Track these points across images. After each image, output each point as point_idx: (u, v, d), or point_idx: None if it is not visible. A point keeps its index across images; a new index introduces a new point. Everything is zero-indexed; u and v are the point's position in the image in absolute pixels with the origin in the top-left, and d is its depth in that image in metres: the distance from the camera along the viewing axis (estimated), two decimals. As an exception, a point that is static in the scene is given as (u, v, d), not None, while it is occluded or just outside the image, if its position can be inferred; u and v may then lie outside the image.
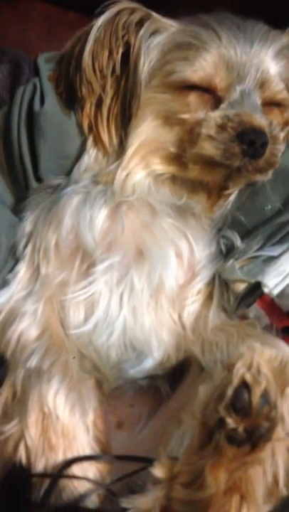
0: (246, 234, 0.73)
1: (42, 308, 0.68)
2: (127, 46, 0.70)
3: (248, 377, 0.47)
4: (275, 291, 0.65)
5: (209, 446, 0.48)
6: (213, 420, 0.47)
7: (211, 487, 0.47)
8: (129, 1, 0.70)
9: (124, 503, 0.51)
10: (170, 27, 0.70)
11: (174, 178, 0.73)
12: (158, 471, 0.50)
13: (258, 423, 0.46)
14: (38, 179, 0.76)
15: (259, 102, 0.68)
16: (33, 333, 0.67)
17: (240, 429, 0.46)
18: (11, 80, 0.76)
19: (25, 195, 0.77)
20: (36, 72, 0.76)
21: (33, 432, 0.58)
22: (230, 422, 0.46)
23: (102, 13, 0.70)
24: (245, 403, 0.46)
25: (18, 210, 0.76)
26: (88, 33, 0.70)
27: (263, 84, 0.68)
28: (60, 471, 0.55)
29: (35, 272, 0.71)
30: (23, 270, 0.72)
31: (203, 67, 0.67)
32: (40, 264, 0.71)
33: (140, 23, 0.70)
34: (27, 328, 0.67)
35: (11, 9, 0.93)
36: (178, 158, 0.71)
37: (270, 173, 0.70)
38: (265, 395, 0.46)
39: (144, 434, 0.65)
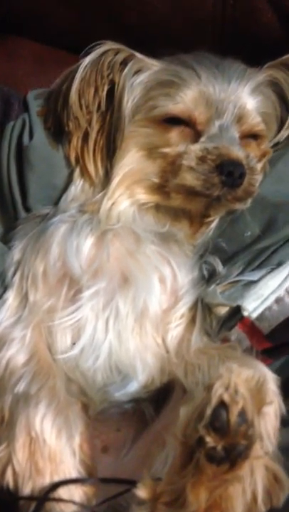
0: (227, 259, 0.75)
1: (30, 334, 0.70)
2: (112, 84, 0.74)
3: (226, 397, 0.49)
4: (254, 315, 0.67)
5: (190, 466, 0.50)
6: (194, 439, 0.49)
7: (192, 505, 0.49)
8: (113, 42, 0.75)
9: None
10: (153, 66, 0.74)
11: (157, 207, 0.76)
12: (141, 492, 0.52)
13: (236, 441, 0.48)
14: (27, 209, 0.79)
15: (237, 135, 0.72)
16: (21, 358, 0.68)
17: (219, 447, 0.48)
18: (1, 115, 0.79)
19: (15, 225, 0.79)
20: (26, 108, 0.79)
21: (20, 456, 0.59)
22: (210, 440, 0.48)
23: (88, 53, 0.74)
24: (224, 422, 0.48)
25: (7, 239, 0.78)
26: (75, 71, 0.73)
27: (240, 118, 0.72)
28: (47, 494, 0.57)
29: (24, 299, 0.73)
30: (11, 297, 0.74)
31: (184, 101, 0.71)
32: (28, 291, 0.73)
33: (124, 63, 0.74)
34: (15, 354, 0.69)
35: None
36: (161, 188, 0.74)
37: (248, 202, 0.73)
38: (242, 413, 0.48)
39: (129, 457, 0.66)
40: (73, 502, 0.57)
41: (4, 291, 0.75)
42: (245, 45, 0.88)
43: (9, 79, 0.92)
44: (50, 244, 0.73)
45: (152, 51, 0.78)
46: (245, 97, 0.73)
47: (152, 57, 0.76)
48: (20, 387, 0.64)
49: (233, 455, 0.48)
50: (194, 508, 0.49)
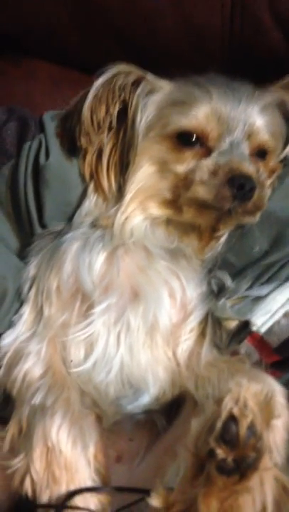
0: (236, 274, 0.77)
1: (45, 348, 0.73)
2: (124, 104, 0.77)
3: (236, 411, 0.51)
4: (263, 329, 0.69)
5: (201, 477, 0.52)
6: (205, 451, 0.52)
7: None
8: (125, 63, 0.77)
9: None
10: (165, 87, 0.77)
11: (168, 222, 0.78)
12: (155, 501, 0.54)
13: (245, 453, 0.51)
14: (43, 225, 0.82)
15: (247, 151, 0.74)
16: (37, 371, 0.71)
17: (229, 459, 0.50)
18: (19, 136, 0.83)
19: (31, 241, 0.82)
20: (42, 129, 0.82)
21: (37, 466, 0.62)
22: (220, 452, 0.50)
23: (101, 74, 0.76)
24: (233, 435, 0.50)
25: (23, 255, 0.81)
26: (89, 91, 0.77)
27: (250, 135, 0.74)
28: (64, 502, 0.59)
29: (39, 313, 0.76)
30: (27, 312, 0.77)
31: (197, 117, 0.73)
32: (43, 306, 0.75)
33: (136, 84, 0.77)
34: (31, 367, 0.71)
35: (16, 69, 1.00)
36: (173, 203, 0.76)
37: (257, 216, 0.75)
38: (251, 427, 0.51)
39: (142, 467, 0.69)
40: (89, 510, 0.60)
41: (20, 306, 0.77)
42: (252, 63, 0.91)
43: (26, 99, 0.97)
44: (63, 260, 0.76)
45: (162, 70, 0.81)
46: (254, 115, 0.75)
47: (163, 78, 0.79)
48: (37, 399, 0.67)
49: (242, 467, 0.50)
50: (205, 517, 0.51)
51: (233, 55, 0.91)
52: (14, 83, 0.99)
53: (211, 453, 0.51)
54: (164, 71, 0.80)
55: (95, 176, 0.79)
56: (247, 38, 0.89)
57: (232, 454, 0.50)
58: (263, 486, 0.52)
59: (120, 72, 0.77)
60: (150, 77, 0.78)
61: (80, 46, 0.97)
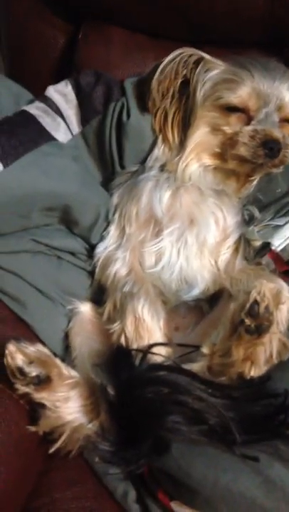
0: (262, 208, 1.06)
1: (128, 255, 1.02)
2: (186, 78, 1.02)
3: (258, 298, 0.84)
4: (279, 248, 1.00)
5: (235, 335, 0.85)
6: (238, 320, 0.85)
7: (234, 356, 0.85)
8: (188, 47, 1.02)
9: (185, 366, 0.90)
10: (219, 66, 1.01)
11: (216, 169, 1.05)
12: (205, 349, 0.89)
13: (262, 322, 0.84)
14: (122, 166, 1.10)
15: (277, 120, 1.00)
16: (123, 271, 1.02)
17: (252, 325, 0.84)
18: (105, 97, 1.09)
19: (112, 177, 1.11)
20: (123, 92, 1.08)
21: (129, 329, 0.95)
22: (247, 321, 0.84)
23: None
24: (256, 311, 0.83)
25: (107, 187, 1.11)
26: (158, 66, 1.02)
27: (280, 108, 1.00)
28: (147, 350, 0.94)
29: (122, 231, 1.05)
30: (113, 230, 1.06)
31: (241, 95, 0.98)
32: (125, 226, 1.05)
33: (196, 63, 1.01)
34: (119, 269, 1.02)
35: (96, 35, 1.21)
36: (220, 155, 1.03)
37: (281, 168, 1.02)
38: (267, 307, 0.83)
39: (192, 335, 1.01)
40: (161, 355, 0.95)
41: (108, 225, 1.08)
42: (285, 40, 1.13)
43: (104, 61, 1.20)
44: (141, 194, 1.05)
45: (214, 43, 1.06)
46: (284, 92, 0.99)
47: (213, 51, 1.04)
48: (126, 288, 0.99)
49: (260, 330, 0.84)
50: (236, 358, 0.85)
51: (270, 32, 1.14)
52: (94, 47, 1.21)
53: (242, 321, 0.84)
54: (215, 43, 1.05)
55: (162, 130, 1.06)
56: (281, 18, 1.11)
57: (254, 322, 0.84)
58: (271, 342, 0.85)
59: (184, 53, 1.01)
60: (207, 57, 1.02)
61: (149, 17, 1.18)
